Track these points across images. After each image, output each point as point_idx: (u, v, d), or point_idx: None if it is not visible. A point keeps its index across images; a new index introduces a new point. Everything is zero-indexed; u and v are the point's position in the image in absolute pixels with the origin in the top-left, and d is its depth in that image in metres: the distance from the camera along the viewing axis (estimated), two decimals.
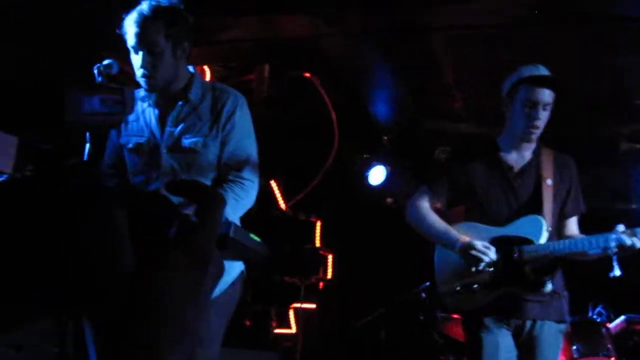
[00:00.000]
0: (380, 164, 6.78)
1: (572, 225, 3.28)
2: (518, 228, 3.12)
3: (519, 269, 3.04)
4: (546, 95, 3.10)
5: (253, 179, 2.69)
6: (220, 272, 0.88)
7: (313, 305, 6.10)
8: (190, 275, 0.76)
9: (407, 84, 5.47)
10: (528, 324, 3.06)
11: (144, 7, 2.53)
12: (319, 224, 6.32)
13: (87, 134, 2.32)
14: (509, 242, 3.07)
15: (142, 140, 2.68)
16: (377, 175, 6.81)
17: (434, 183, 3.29)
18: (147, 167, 2.66)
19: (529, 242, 3.07)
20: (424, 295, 5.26)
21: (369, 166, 6.79)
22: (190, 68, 2.76)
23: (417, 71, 5.25)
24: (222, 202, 0.83)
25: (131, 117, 2.72)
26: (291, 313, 6.06)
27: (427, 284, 5.28)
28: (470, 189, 3.20)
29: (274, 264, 5.46)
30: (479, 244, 2.99)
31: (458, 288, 3.08)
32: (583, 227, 5.00)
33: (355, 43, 4.95)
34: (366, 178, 6.78)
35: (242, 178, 2.64)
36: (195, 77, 2.74)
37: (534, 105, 3.07)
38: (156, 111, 2.70)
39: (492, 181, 3.20)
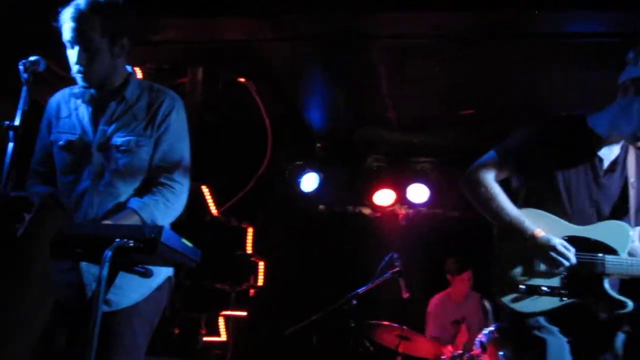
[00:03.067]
0: (313, 171, 6.79)
1: (637, 234, 2.85)
2: (602, 232, 2.72)
3: (597, 282, 2.66)
4: None
5: (184, 182, 2.63)
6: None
7: (244, 313, 6.02)
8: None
9: (342, 91, 5.49)
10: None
11: (81, 0, 2.45)
12: (250, 230, 6.26)
13: (11, 132, 2.22)
14: (589, 246, 2.69)
15: (73, 137, 2.58)
16: (309, 182, 6.81)
17: (510, 156, 2.80)
18: (77, 166, 2.56)
19: (612, 251, 2.69)
20: (355, 302, 5.26)
21: (301, 173, 6.78)
22: (128, 67, 2.67)
23: (353, 79, 5.27)
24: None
25: (63, 113, 2.63)
26: (221, 320, 5.96)
27: (359, 290, 5.29)
28: (551, 174, 2.74)
29: (204, 270, 5.36)
30: (559, 243, 2.61)
31: (522, 287, 2.64)
32: None
33: (293, 49, 4.94)
34: (299, 185, 6.77)
35: (173, 181, 2.58)
36: (132, 76, 2.67)
37: None
38: (90, 108, 2.61)
39: (579, 171, 2.76)
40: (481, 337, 5.40)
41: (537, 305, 2.65)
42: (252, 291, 6.20)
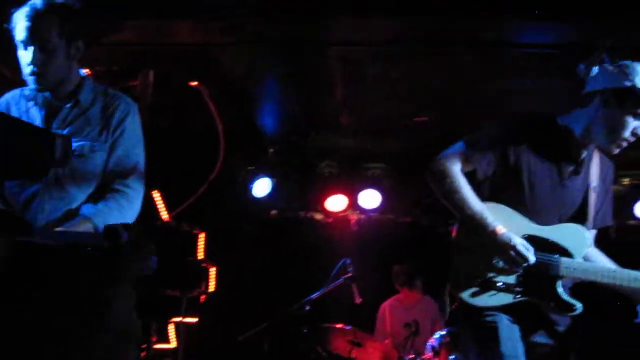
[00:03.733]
0: (266, 177, 6.76)
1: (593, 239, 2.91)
2: (560, 234, 2.75)
3: (551, 283, 2.69)
4: None
5: (138, 188, 2.60)
6: None
7: (194, 319, 5.93)
8: None
9: (297, 96, 5.47)
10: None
11: (37, 0, 2.38)
12: (202, 235, 6.17)
13: None
14: (547, 247, 2.72)
15: None
16: (262, 187, 6.78)
17: (478, 150, 2.77)
18: None
19: (568, 254, 2.73)
20: (308, 308, 5.25)
21: (254, 178, 6.74)
22: (82, 71, 2.62)
23: (307, 85, 5.26)
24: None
25: (13, 115, 2.55)
26: (171, 327, 5.86)
27: (312, 296, 5.29)
28: (518, 170, 2.76)
29: (154, 276, 5.26)
30: (520, 243, 2.62)
31: (479, 281, 2.67)
32: None
33: (245, 53, 4.91)
34: (251, 190, 6.73)
35: (128, 187, 2.54)
36: (87, 79, 2.62)
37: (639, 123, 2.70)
38: (42, 111, 2.54)
39: (545, 170, 2.80)
40: (433, 341, 5.45)
41: (491, 301, 2.68)
42: (203, 297, 6.11)
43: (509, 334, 2.66)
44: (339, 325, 5.42)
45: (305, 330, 5.34)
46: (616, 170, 3.04)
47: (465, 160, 2.78)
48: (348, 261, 5.46)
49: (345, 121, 5.89)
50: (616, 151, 2.79)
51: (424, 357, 5.45)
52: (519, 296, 2.68)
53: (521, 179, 2.76)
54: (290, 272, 6.79)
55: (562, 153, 2.83)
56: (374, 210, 7.09)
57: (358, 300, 5.37)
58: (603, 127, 2.72)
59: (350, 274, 5.42)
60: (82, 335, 2.16)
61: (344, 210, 7.16)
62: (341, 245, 6.82)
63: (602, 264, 2.82)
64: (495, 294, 2.68)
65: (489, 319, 2.67)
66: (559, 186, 2.81)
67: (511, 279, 2.69)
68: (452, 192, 2.73)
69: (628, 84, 2.65)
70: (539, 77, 4.73)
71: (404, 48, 4.52)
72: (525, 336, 2.72)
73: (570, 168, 2.83)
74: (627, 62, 2.68)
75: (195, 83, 5.30)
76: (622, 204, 6.95)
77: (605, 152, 2.88)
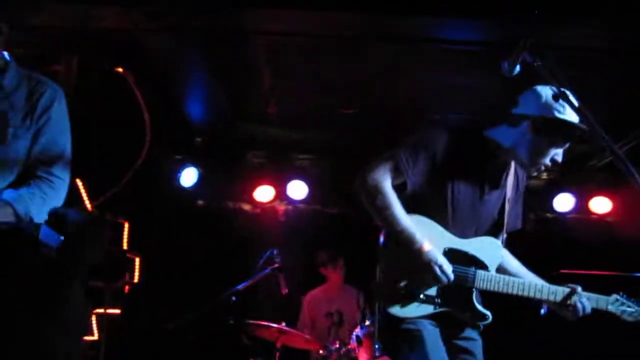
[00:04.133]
0: (192, 166, 6.68)
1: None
2: (477, 247, 2.87)
3: (467, 294, 2.83)
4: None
5: (64, 177, 2.53)
6: None
7: (118, 311, 5.82)
8: None
9: (224, 86, 5.43)
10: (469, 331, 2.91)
11: None
12: (126, 225, 6.05)
13: None
14: (465, 260, 2.83)
15: None
16: (188, 177, 6.70)
17: (408, 162, 2.78)
18: None
19: (484, 267, 2.86)
20: (234, 298, 5.23)
21: (180, 168, 6.66)
22: (6, 54, 2.51)
23: (234, 74, 5.23)
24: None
25: None
26: (93, 319, 5.73)
27: (238, 287, 5.27)
28: (442, 183, 2.84)
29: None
30: (444, 262, 2.72)
31: (402, 293, 2.75)
32: None
33: (172, 41, 4.82)
34: (177, 179, 6.64)
35: (52, 175, 2.47)
36: (11, 64, 2.52)
37: (560, 150, 2.86)
38: None
39: (468, 184, 2.88)
40: (357, 331, 5.53)
41: (412, 311, 2.77)
42: (127, 288, 6.00)
43: (434, 339, 2.76)
44: (264, 323, 5.42)
45: (231, 321, 5.32)
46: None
47: (395, 173, 2.81)
48: (275, 252, 5.46)
49: (273, 111, 5.88)
50: (534, 173, 2.95)
51: (349, 347, 5.52)
52: (438, 307, 2.79)
53: (445, 192, 2.84)
54: (216, 262, 6.74)
55: (486, 168, 2.93)
56: (301, 201, 7.12)
57: (284, 291, 5.38)
58: (528, 150, 2.84)
59: (277, 265, 5.42)
60: (28, 325, 2.09)
61: (272, 201, 7.17)
62: (268, 235, 6.82)
63: (514, 275, 2.94)
64: (417, 305, 2.77)
65: (412, 327, 2.75)
66: (478, 201, 2.90)
67: (432, 291, 2.79)
68: (383, 209, 2.75)
69: (560, 116, 2.77)
70: (464, 73, 4.85)
71: (327, 41, 4.54)
72: (447, 339, 2.84)
73: (489, 183, 2.92)
74: (561, 91, 2.64)
75: (120, 70, 5.18)
76: (541, 198, 7.24)
77: (529, 173, 3.00)
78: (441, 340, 2.79)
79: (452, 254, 2.80)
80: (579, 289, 2.91)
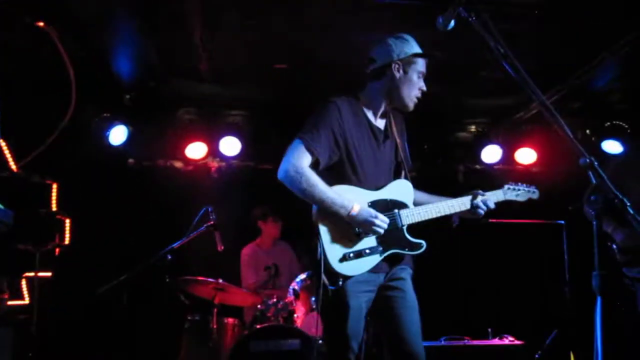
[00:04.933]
0: (122, 124, 6.52)
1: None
2: (392, 192, 3.27)
3: (401, 232, 3.21)
4: None
5: None
6: None
7: (49, 274, 5.70)
8: None
9: (153, 41, 5.27)
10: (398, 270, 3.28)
11: None
12: (55, 186, 5.88)
13: None
14: (387, 206, 3.21)
15: None
16: (118, 135, 6.54)
17: (318, 143, 3.11)
18: None
19: (403, 205, 3.27)
20: (169, 257, 5.20)
21: (109, 125, 6.49)
22: None
23: (164, 28, 5.08)
24: None
25: None
26: (24, 283, 5.60)
27: (173, 245, 5.24)
28: (348, 150, 3.19)
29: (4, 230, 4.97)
30: (377, 214, 3.07)
31: (351, 255, 3.09)
32: None
33: None
34: (106, 138, 6.47)
35: None
36: None
37: (423, 78, 3.34)
38: None
39: (365, 143, 3.26)
40: (294, 284, 5.62)
41: (363, 266, 3.12)
42: (57, 250, 5.88)
43: (358, 313, 3.11)
44: (201, 278, 5.43)
45: (167, 280, 5.30)
46: (458, 118, 3.43)
47: (308, 156, 3.09)
48: (210, 209, 5.45)
49: (205, 67, 5.77)
50: (412, 108, 3.38)
51: (285, 300, 5.61)
52: (384, 253, 3.17)
53: (351, 156, 3.19)
54: (149, 221, 6.66)
55: (372, 124, 3.33)
56: (234, 158, 7.08)
57: (220, 247, 5.39)
58: (402, 90, 3.30)
59: (212, 222, 5.42)
60: None
61: (204, 158, 7.10)
62: (202, 193, 6.77)
63: (428, 204, 3.35)
64: (366, 259, 3.13)
65: (346, 297, 3.08)
66: (378, 153, 3.31)
67: (373, 242, 3.15)
68: (309, 189, 3.03)
69: (411, 51, 3.29)
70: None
71: None
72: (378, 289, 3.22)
73: (382, 136, 3.34)
74: (403, 34, 3.32)
75: (41, 24, 4.96)
76: (469, 150, 7.43)
77: (402, 110, 3.43)
78: (364, 313, 3.16)
79: (376, 206, 3.17)
80: (480, 191, 3.42)
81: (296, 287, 5.58)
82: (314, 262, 3.07)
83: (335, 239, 3.09)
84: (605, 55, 5.19)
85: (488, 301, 6.78)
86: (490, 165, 7.37)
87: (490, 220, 4.98)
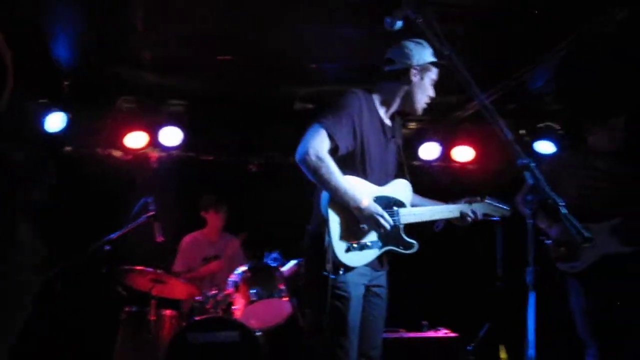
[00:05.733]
0: (59, 111, 6.36)
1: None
2: (393, 190, 3.38)
3: (397, 231, 3.32)
4: None
5: None
6: None
7: None
8: None
9: (94, 26, 5.16)
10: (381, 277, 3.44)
11: None
12: None
13: None
14: (388, 203, 3.31)
15: None
16: (55, 122, 6.37)
17: (340, 129, 3.16)
18: None
19: (402, 205, 3.38)
20: (108, 248, 5.13)
21: (46, 112, 6.31)
22: None
23: (105, 14, 4.97)
24: None
25: None
26: None
27: (111, 236, 5.17)
28: (362, 142, 3.26)
29: None
30: (384, 212, 3.16)
31: (355, 246, 3.16)
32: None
33: None
34: (43, 125, 6.30)
35: None
36: None
37: (432, 87, 3.48)
38: None
39: (376, 139, 3.34)
40: (234, 276, 5.62)
41: (364, 259, 3.24)
42: None
43: (357, 304, 3.21)
44: (139, 267, 5.37)
45: (104, 271, 5.22)
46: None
47: (328, 143, 3.12)
48: (149, 199, 5.40)
49: (147, 56, 5.69)
50: (420, 113, 3.52)
51: (225, 292, 5.60)
52: (382, 249, 3.30)
53: (363, 149, 3.26)
54: (87, 211, 6.53)
55: (383, 122, 3.43)
56: (175, 148, 7.01)
57: (160, 239, 5.35)
58: (415, 95, 3.44)
59: (151, 213, 5.37)
60: None
61: (144, 148, 7.00)
62: (142, 183, 6.68)
63: (422, 206, 3.50)
64: (366, 252, 3.23)
65: (343, 289, 3.17)
66: (385, 151, 3.42)
67: (374, 237, 3.26)
68: (327, 179, 3.08)
69: (429, 59, 3.40)
70: (342, 24, 4.91)
71: None
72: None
73: (390, 134, 3.46)
74: (421, 41, 3.38)
75: None
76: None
77: (408, 113, 3.57)
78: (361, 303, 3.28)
79: (379, 201, 3.24)
80: (465, 201, 3.59)
81: (236, 279, 5.58)
82: (315, 249, 3.13)
83: (342, 229, 3.15)
84: (540, 58, 5.35)
85: (424, 295, 6.92)
86: (428, 162, 7.51)
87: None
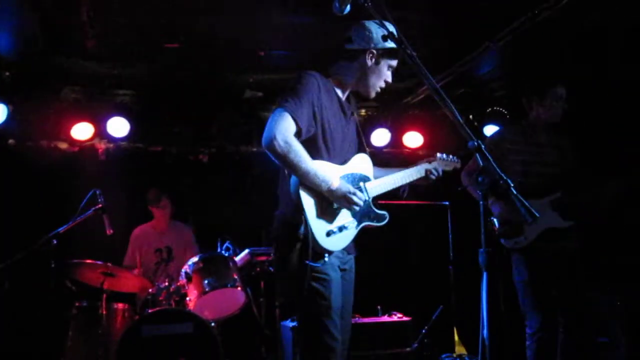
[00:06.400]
0: (1, 103, 6.18)
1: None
2: (357, 166, 3.36)
3: (367, 205, 3.31)
4: None
5: None
6: None
7: None
8: None
9: (37, 15, 5.01)
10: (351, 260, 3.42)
11: None
12: None
13: None
14: (354, 180, 3.29)
15: None
16: None
17: (302, 114, 3.09)
18: None
19: (366, 179, 3.38)
20: (55, 242, 5.02)
21: None
22: None
23: (48, 2, 4.83)
24: None
25: None
26: None
27: (59, 230, 5.06)
28: (323, 123, 3.20)
29: None
30: (356, 190, 3.13)
31: (335, 229, 3.12)
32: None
33: None
34: None
35: None
36: None
37: (390, 72, 3.43)
38: None
39: (336, 118, 3.30)
40: (186, 267, 5.56)
41: (344, 241, 3.22)
42: None
43: (337, 286, 3.16)
44: (89, 261, 5.27)
45: (52, 265, 5.10)
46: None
47: (294, 127, 3.05)
48: (98, 192, 5.29)
49: (92, 45, 5.56)
50: (373, 96, 3.46)
51: (178, 284, 5.55)
52: (358, 226, 3.28)
53: (324, 129, 3.21)
54: (34, 205, 6.37)
55: (341, 101, 3.39)
56: (122, 139, 6.88)
57: (109, 231, 5.25)
58: (370, 78, 3.38)
59: (100, 205, 5.27)
60: None
61: (91, 139, 6.85)
62: (89, 175, 6.54)
63: (385, 176, 3.51)
64: (345, 233, 3.20)
65: (324, 272, 3.11)
66: (346, 130, 3.37)
67: (349, 217, 3.23)
68: (295, 160, 3.00)
69: (388, 45, 3.27)
70: (289, 12, 4.88)
71: None
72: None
73: (349, 112, 3.42)
74: (387, 23, 3.12)
75: None
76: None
77: (362, 96, 3.51)
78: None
79: (346, 180, 3.23)
80: (428, 159, 3.74)
81: (188, 270, 5.52)
82: (289, 236, 3.07)
83: (318, 214, 3.10)
84: (488, 44, 5.43)
85: (377, 280, 6.98)
86: (380, 149, 7.56)
87: (379, 202, 5.13)
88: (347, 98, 3.50)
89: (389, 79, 3.44)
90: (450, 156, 3.95)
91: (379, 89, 3.44)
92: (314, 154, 3.13)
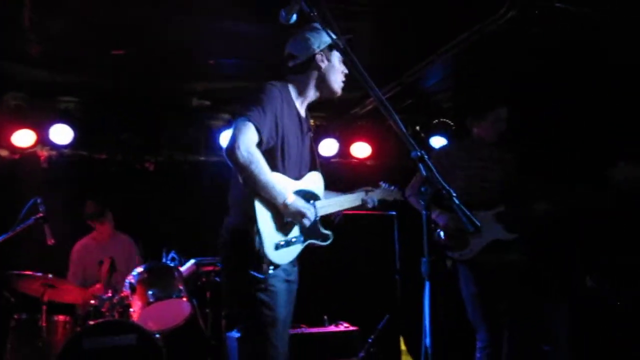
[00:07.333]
0: None
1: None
2: (309, 183, 3.34)
3: (314, 224, 3.31)
4: None
5: None
6: None
7: None
8: None
9: None
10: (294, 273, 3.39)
11: None
12: None
13: None
14: (305, 197, 3.24)
15: None
16: None
17: (263, 124, 3.05)
18: None
19: (316, 197, 3.37)
20: None
21: None
22: None
23: None
24: None
25: None
26: None
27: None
28: (282, 136, 3.18)
29: None
30: (308, 207, 3.16)
31: (283, 243, 3.12)
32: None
33: None
34: None
35: None
36: None
37: (343, 66, 3.40)
38: None
39: (293, 132, 3.26)
40: (130, 278, 5.46)
41: (290, 255, 3.21)
42: None
43: (287, 296, 3.20)
44: (28, 272, 5.13)
45: None
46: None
47: (256, 138, 3.03)
48: (39, 200, 5.17)
49: (35, 50, 5.43)
50: (340, 93, 3.45)
51: (121, 295, 5.44)
52: (304, 243, 3.28)
53: (282, 142, 3.19)
54: None
55: (300, 115, 3.37)
56: (66, 146, 6.73)
57: (50, 241, 5.14)
58: (329, 78, 3.38)
59: (41, 214, 5.15)
60: None
61: (33, 146, 6.68)
62: (30, 183, 6.37)
63: (335, 198, 3.53)
64: (292, 248, 3.20)
65: (276, 282, 3.13)
66: (301, 145, 3.36)
67: (297, 232, 3.23)
68: (256, 171, 2.98)
69: (329, 40, 3.22)
70: (238, 19, 4.87)
71: None
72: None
73: (305, 127, 3.40)
74: (316, 25, 3.23)
75: None
76: None
77: (330, 98, 3.50)
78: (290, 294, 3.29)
79: (299, 195, 3.19)
80: (367, 188, 3.75)
81: (132, 281, 5.42)
82: (239, 246, 3.06)
83: (270, 226, 3.09)
84: (434, 57, 5.51)
85: (323, 290, 6.98)
86: (327, 159, 7.58)
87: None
88: (306, 111, 3.48)
89: (345, 70, 3.41)
90: (393, 187, 4.02)
91: (342, 84, 3.43)
92: (271, 166, 3.10)
